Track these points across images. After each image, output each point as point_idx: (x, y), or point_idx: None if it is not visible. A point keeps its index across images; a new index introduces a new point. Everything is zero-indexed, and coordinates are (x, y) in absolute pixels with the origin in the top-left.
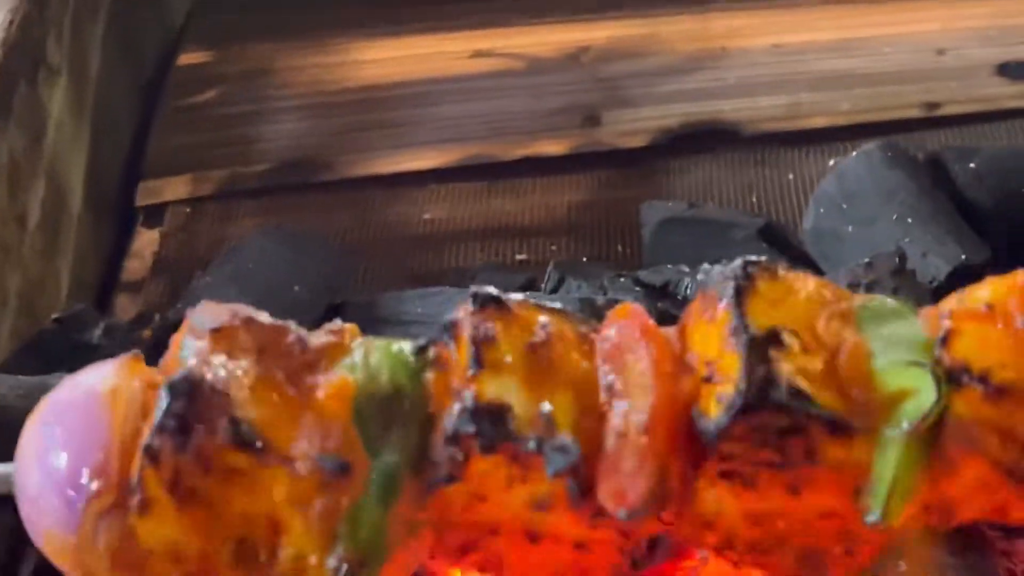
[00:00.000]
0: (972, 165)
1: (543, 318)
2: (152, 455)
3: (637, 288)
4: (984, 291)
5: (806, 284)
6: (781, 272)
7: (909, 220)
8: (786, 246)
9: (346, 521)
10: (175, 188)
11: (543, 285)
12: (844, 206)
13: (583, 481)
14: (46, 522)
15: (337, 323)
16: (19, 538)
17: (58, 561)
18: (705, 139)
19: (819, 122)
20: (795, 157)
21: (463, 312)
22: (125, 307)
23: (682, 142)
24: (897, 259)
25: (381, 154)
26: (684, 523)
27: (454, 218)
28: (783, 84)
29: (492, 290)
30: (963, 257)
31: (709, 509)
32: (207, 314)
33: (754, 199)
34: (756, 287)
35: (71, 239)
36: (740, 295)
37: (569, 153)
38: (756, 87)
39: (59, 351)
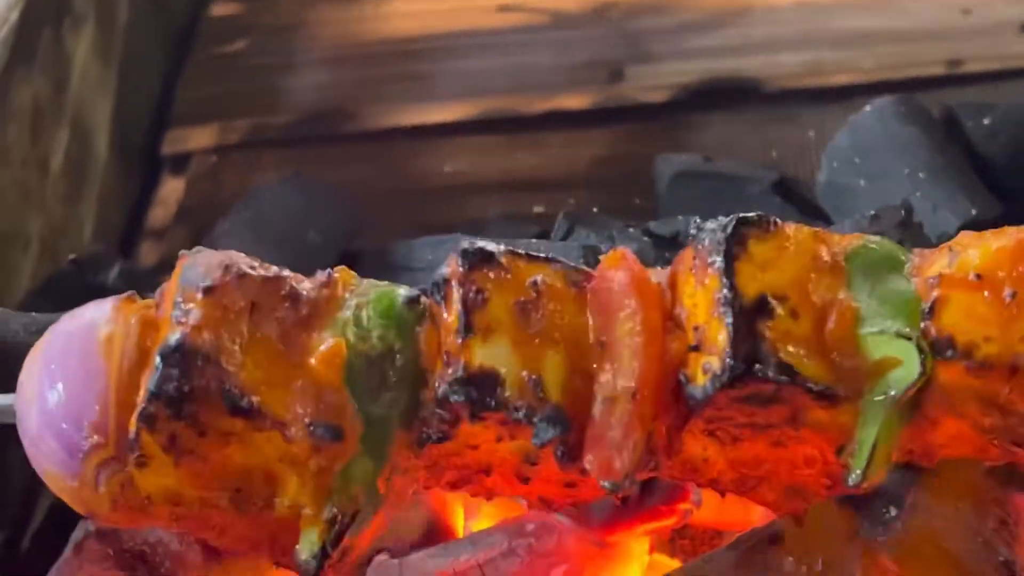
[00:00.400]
0: (986, 121)
1: (534, 273)
2: (148, 420)
3: (646, 238)
4: (976, 253)
5: (799, 238)
6: (774, 227)
7: (921, 175)
8: (800, 200)
9: (340, 477)
10: (201, 137)
11: (553, 235)
12: (857, 160)
13: (570, 448)
14: (47, 463)
15: (330, 273)
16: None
17: (60, 495)
18: (727, 95)
19: (841, 79)
20: (816, 114)
21: (452, 268)
22: (149, 253)
23: (704, 98)
24: (903, 211)
25: (405, 106)
26: (672, 468)
27: (475, 170)
28: (806, 41)
29: (482, 244)
30: (973, 212)
31: (696, 457)
32: (199, 267)
33: (774, 155)
34: (748, 249)
35: (96, 185)
36: (730, 261)
37: (591, 108)
38: (779, 44)
39: (75, 292)
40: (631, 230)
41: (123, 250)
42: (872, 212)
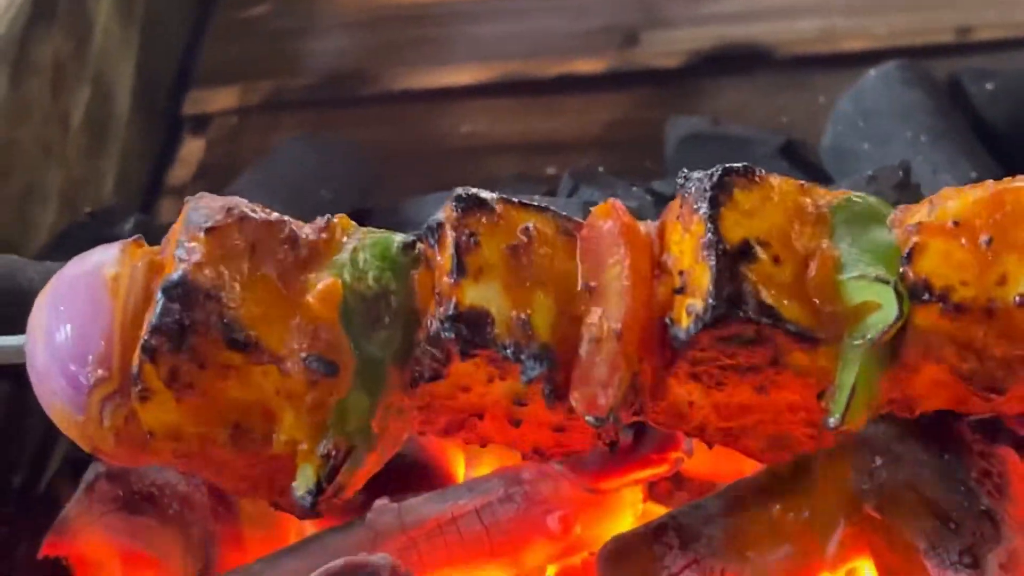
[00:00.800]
0: (989, 86)
1: (526, 220)
2: (150, 353)
3: (648, 196)
4: (954, 203)
5: (784, 189)
6: (759, 177)
7: (923, 138)
8: (806, 163)
9: (335, 413)
10: (223, 98)
11: (558, 193)
12: (861, 124)
13: (557, 386)
14: (53, 398)
15: (329, 218)
16: None
17: (66, 432)
18: (740, 61)
19: (854, 45)
20: (828, 80)
21: (447, 213)
22: (169, 211)
23: (717, 64)
24: (901, 172)
25: (423, 70)
26: (658, 413)
27: (491, 132)
28: (821, 7)
29: (476, 191)
30: (973, 175)
31: (681, 402)
32: (203, 210)
33: (784, 120)
34: (733, 197)
35: (117, 142)
36: (715, 207)
37: (606, 72)
38: (794, 10)
39: (89, 244)
40: (635, 189)
41: (143, 207)
42: (869, 173)
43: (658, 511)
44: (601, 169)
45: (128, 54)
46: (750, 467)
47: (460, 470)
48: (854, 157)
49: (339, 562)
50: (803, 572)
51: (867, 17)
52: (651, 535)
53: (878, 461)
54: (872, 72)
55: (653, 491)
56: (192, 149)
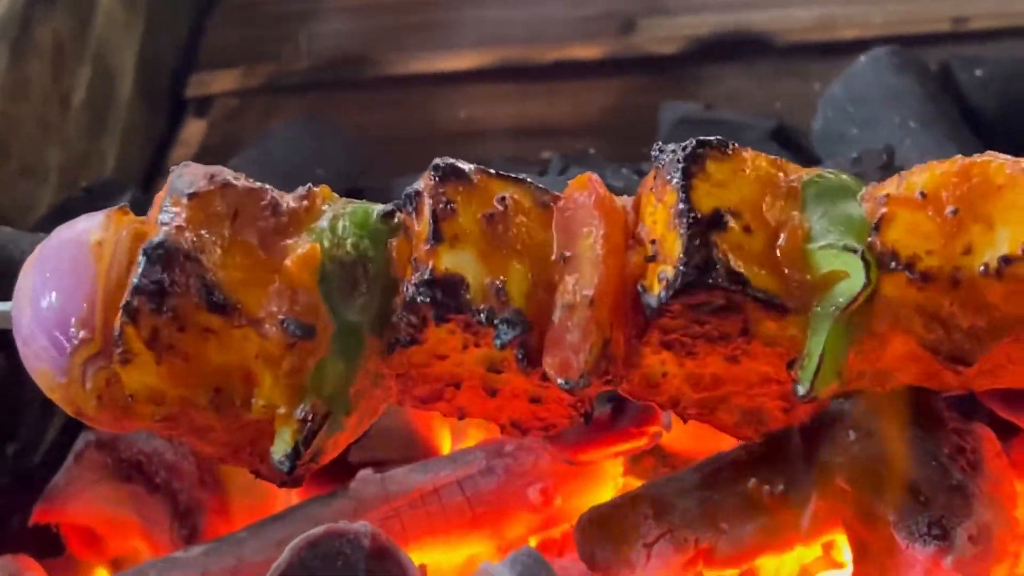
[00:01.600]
0: (979, 73)
1: (503, 190)
2: (131, 313)
3: (636, 177)
4: (922, 176)
5: (757, 163)
6: (732, 150)
7: (911, 123)
8: (796, 147)
9: (312, 377)
10: (224, 81)
11: (548, 174)
12: (850, 109)
13: (530, 351)
14: (37, 362)
15: (310, 187)
16: None
17: (50, 396)
18: (737, 48)
19: (850, 34)
20: (824, 68)
21: (425, 182)
22: None
23: (714, 51)
24: (885, 155)
25: (422, 55)
26: (632, 384)
27: (488, 116)
28: None
29: (454, 161)
30: None
31: (654, 371)
32: (187, 177)
33: (778, 106)
34: (705, 168)
35: (119, 122)
36: (687, 177)
37: (603, 58)
38: None
39: None
40: (624, 170)
41: (144, 187)
42: (854, 155)
43: (638, 485)
44: (592, 151)
45: (131, 37)
46: (730, 445)
47: (446, 444)
48: (843, 141)
49: (320, 529)
50: (777, 544)
51: (863, 6)
52: (627, 506)
53: (852, 436)
54: (862, 58)
55: (637, 466)
56: (193, 130)
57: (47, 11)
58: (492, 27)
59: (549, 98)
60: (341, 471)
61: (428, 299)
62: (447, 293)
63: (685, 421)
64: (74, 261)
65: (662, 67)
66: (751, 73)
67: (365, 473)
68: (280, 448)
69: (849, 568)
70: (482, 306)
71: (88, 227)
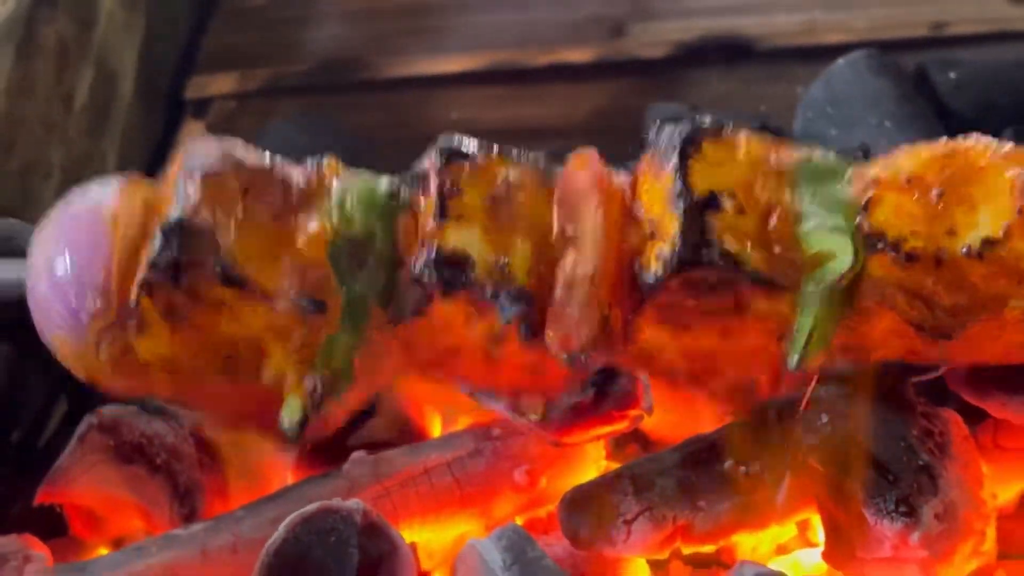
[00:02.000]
0: (953, 75)
1: (506, 169)
2: (147, 287)
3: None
4: (908, 160)
5: (750, 144)
6: (728, 133)
7: (888, 124)
8: None
9: (321, 350)
10: (223, 83)
11: None
12: (829, 110)
13: (533, 325)
14: (53, 328)
15: (318, 162)
16: None
17: (65, 362)
18: (723, 52)
19: (833, 39)
20: (807, 72)
21: (430, 161)
22: None
23: (701, 55)
24: (862, 154)
25: (415, 58)
26: (628, 357)
27: (480, 119)
28: (801, 2)
29: (459, 142)
30: None
31: (650, 345)
32: (199, 155)
33: (763, 109)
34: (701, 150)
35: (120, 123)
36: (684, 159)
37: (593, 61)
38: (775, 5)
39: None
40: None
41: None
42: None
43: None
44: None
45: (132, 39)
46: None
47: (436, 428)
48: (823, 141)
49: (313, 506)
50: (753, 521)
51: (846, 11)
52: (608, 484)
53: (824, 419)
54: (840, 61)
55: (620, 452)
56: (192, 131)
57: (51, 13)
58: (484, 31)
59: (540, 101)
60: (336, 454)
61: (435, 276)
62: (454, 271)
63: (676, 390)
64: (90, 230)
65: (651, 71)
66: (737, 77)
67: (358, 455)
68: (288, 415)
69: (822, 546)
70: (487, 283)
71: (102, 196)
